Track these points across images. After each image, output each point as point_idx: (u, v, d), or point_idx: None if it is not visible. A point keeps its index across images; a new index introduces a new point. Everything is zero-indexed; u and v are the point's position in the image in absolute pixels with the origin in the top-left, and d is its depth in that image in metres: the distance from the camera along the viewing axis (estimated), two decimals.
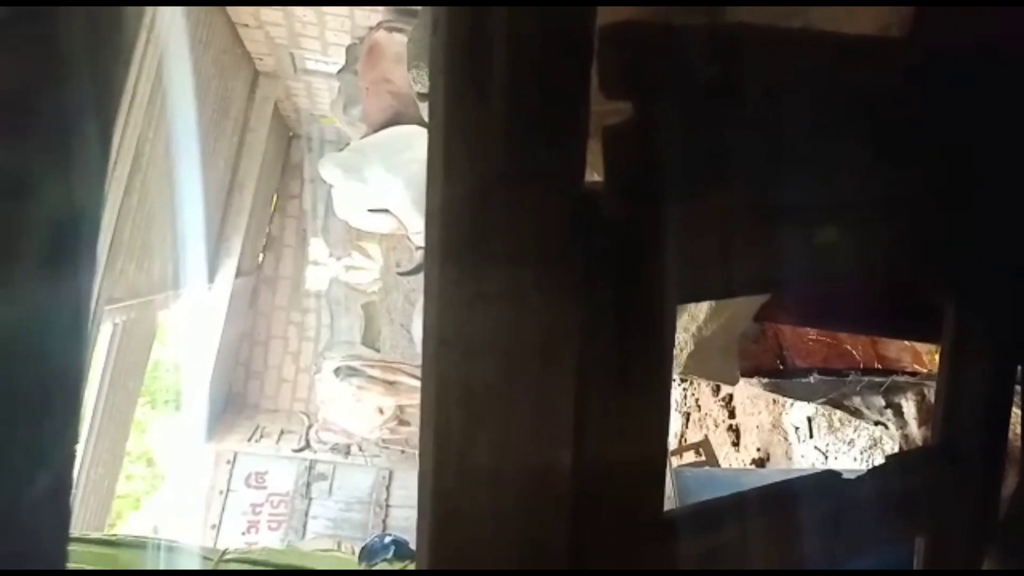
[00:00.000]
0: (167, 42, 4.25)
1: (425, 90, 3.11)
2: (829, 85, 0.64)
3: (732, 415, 4.00)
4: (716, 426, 4.17)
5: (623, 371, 0.67)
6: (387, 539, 3.10)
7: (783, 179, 0.64)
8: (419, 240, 5.43)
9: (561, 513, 0.65)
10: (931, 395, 2.07)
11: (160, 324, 6.44)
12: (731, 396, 3.96)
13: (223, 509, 7.53)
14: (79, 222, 0.32)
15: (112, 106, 0.35)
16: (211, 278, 7.06)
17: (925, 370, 1.94)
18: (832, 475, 0.80)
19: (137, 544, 2.72)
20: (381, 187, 5.29)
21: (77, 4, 0.29)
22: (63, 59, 0.31)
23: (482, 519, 0.63)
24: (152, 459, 11.22)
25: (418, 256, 5.46)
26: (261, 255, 9.12)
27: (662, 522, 0.70)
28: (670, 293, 0.66)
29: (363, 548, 3.07)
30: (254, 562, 2.77)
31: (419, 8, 5.01)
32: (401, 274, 5.87)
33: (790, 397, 2.61)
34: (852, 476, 0.82)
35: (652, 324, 0.66)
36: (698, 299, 1.16)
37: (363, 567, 2.91)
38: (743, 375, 1.82)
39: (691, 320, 1.43)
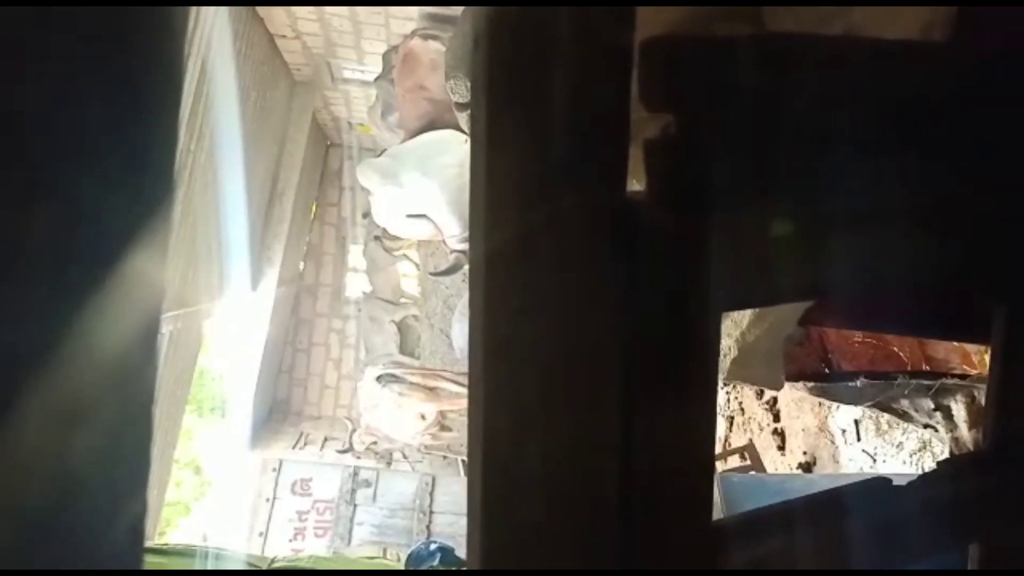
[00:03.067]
0: (208, 54, 4.32)
1: (462, 100, 3.13)
2: (873, 92, 0.63)
3: (777, 418, 3.95)
4: (761, 430, 4.13)
5: (669, 379, 0.67)
6: (433, 546, 3.12)
7: (828, 186, 0.64)
8: (453, 243, 5.45)
9: (609, 521, 0.65)
10: (981, 397, 2.03)
11: (205, 333, 6.54)
12: (775, 399, 3.91)
13: (270, 516, 7.62)
14: (150, 230, 0.33)
15: (176, 112, 0.36)
16: (254, 287, 7.16)
17: (975, 371, 1.91)
18: (882, 482, 0.79)
19: (187, 552, 2.77)
20: (418, 191, 5.33)
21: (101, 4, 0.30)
22: (130, 65, 0.32)
23: (531, 527, 0.64)
24: (199, 466, 11.40)
25: (452, 258, 5.48)
26: (302, 263, 9.23)
27: (711, 530, 0.69)
28: (714, 301, 0.66)
29: (409, 555, 3.09)
30: (302, 570, 2.80)
31: (455, 17, 5.04)
32: (434, 274, 5.89)
33: (836, 401, 2.58)
34: (902, 482, 0.81)
35: (697, 332, 0.66)
36: (742, 307, 1.15)
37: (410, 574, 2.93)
38: (788, 379, 1.80)
39: (734, 326, 1.42)
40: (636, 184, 0.66)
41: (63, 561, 0.31)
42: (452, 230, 5.39)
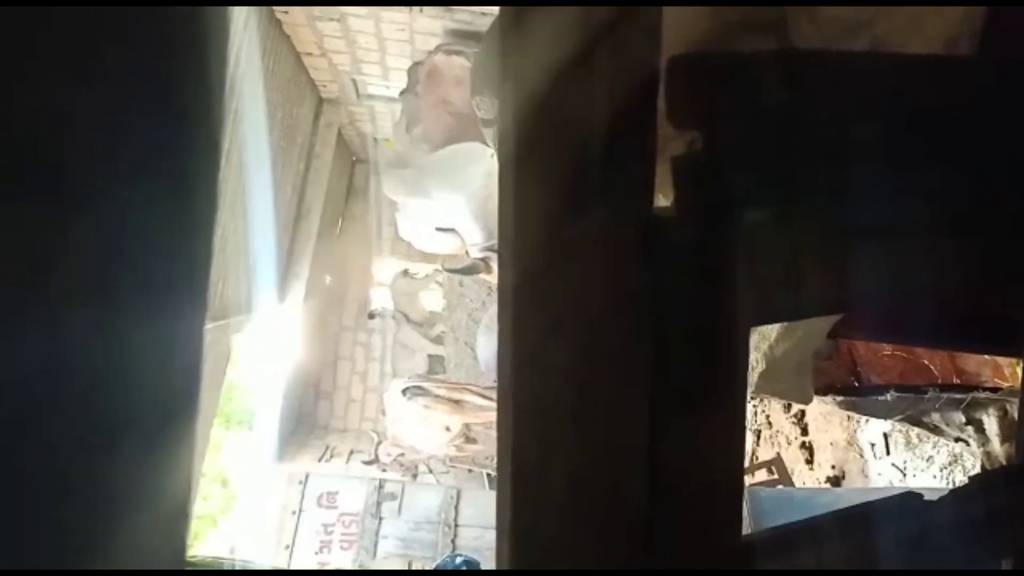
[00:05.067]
0: (236, 72, 4.38)
1: (488, 116, 3.15)
2: (899, 105, 0.63)
3: (805, 432, 3.92)
4: (788, 443, 4.09)
5: (697, 394, 0.67)
6: (458, 559, 3.13)
7: (854, 200, 0.64)
8: (475, 251, 5.48)
9: (637, 535, 0.66)
10: (1014, 411, 2.00)
11: (234, 347, 6.60)
12: (803, 412, 3.88)
13: (296, 529, 7.64)
14: (195, 246, 0.34)
15: (219, 126, 0.36)
16: (281, 300, 7.21)
17: (1006, 384, 1.88)
18: (913, 497, 0.78)
19: (214, 565, 2.78)
20: (444, 202, 5.37)
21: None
22: (173, 79, 0.33)
23: (560, 541, 0.64)
24: (227, 479, 11.46)
25: (469, 260, 5.51)
26: (328, 277, 9.28)
27: (740, 546, 0.69)
28: (742, 316, 0.66)
29: (435, 569, 3.09)
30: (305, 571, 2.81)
31: (478, 32, 5.08)
32: (448, 270, 5.90)
33: (866, 415, 2.55)
34: (934, 497, 0.80)
35: (725, 347, 0.66)
36: (770, 321, 1.15)
37: None
38: (817, 393, 1.79)
39: (762, 339, 1.42)
40: (663, 200, 0.66)
41: None
42: (475, 239, 5.42)
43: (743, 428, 0.69)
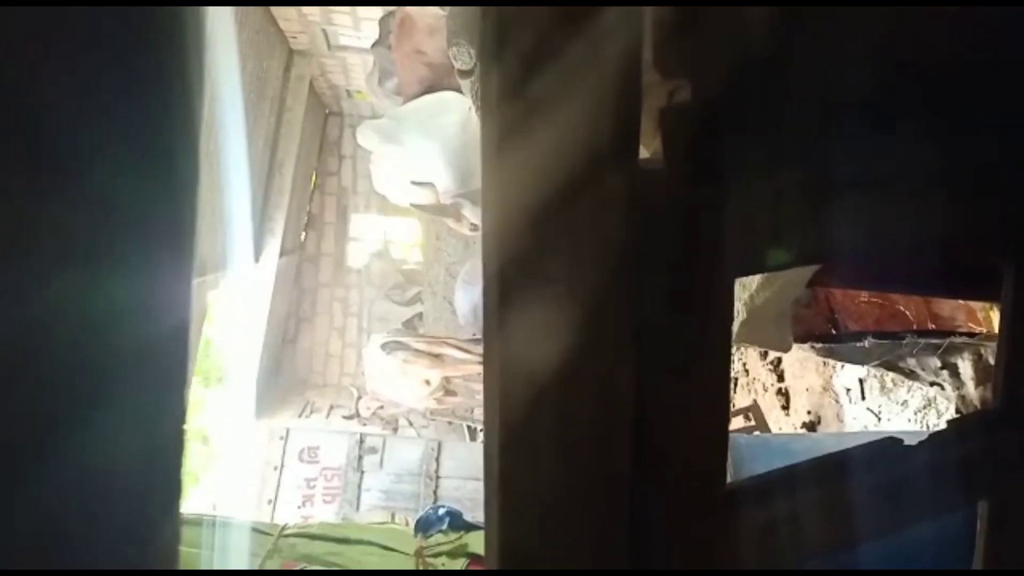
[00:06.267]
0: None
1: (465, 67, 3.10)
2: (884, 59, 0.63)
3: (781, 378, 3.98)
4: (765, 390, 4.15)
5: (683, 347, 0.67)
6: (441, 511, 3.15)
7: (837, 152, 0.64)
8: (446, 198, 5.46)
9: (624, 488, 0.66)
10: (988, 355, 2.04)
11: (209, 304, 6.56)
12: (780, 359, 3.93)
13: (278, 484, 7.70)
14: (178, 205, 0.33)
15: (199, 87, 0.36)
16: (256, 258, 7.16)
17: (980, 328, 1.91)
18: (894, 442, 0.80)
19: (196, 522, 2.79)
20: (418, 150, 5.33)
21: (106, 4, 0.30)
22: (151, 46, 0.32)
23: (548, 496, 0.64)
24: (207, 436, 11.48)
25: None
26: (303, 233, 9.22)
27: (725, 494, 0.70)
28: (728, 268, 0.66)
29: (418, 520, 3.12)
30: (313, 536, 2.83)
31: None
32: (415, 206, 5.84)
33: (844, 361, 2.59)
34: (912, 442, 0.82)
35: (710, 299, 0.66)
36: (753, 272, 1.16)
37: (419, 539, 2.96)
38: (796, 341, 1.81)
39: (743, 289, 1.42)
40: (645, 151, 0.65)
41: (94, 551, 0.31)
42: (447, 185, 5.41)
43: (728, 379, 0.70)
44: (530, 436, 0.63)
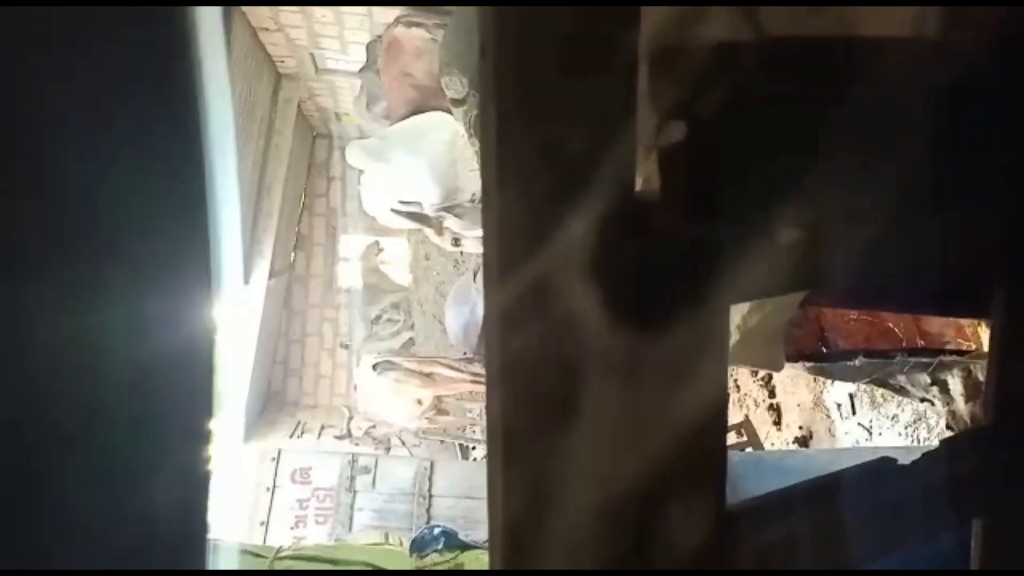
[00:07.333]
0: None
1: (458, 96, 3.12)
2: (871, 88, 0.65)
3: (772, 394, 3.99)
4: (756, 406, 4.17)
5: (679, 373, 0.68)
6: (436, 530, 3.15)
7: (830, 181, 0.66)
8: (430, 210, 5.50)
9: (628, 509, 0.67)
10: (977, 371, 2.06)
11: None
12: (770, 376, 3.95)
13: (270, 505, 7.64)
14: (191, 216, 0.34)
15: (196, 99, 0.37)
16: (246, 279, 7.15)
17: (969, 344, 1.94)
18: (888, 461, 0.81)
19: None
20: (405, 167, 5.38)
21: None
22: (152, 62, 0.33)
23: (550, 516, 0.65)
24: None
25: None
26: (292, 254, 9.21)
27: (725, 516, 0.72)
28: (723, 295, 0.68)
29: (414, 540, 3.12)
30: (308, 558, 2.83)
31: (447, 10, 5.04)
32: (397, 212, 5.86)
33: (835, 379, 2.61)
34: (906, 458, 0.83)
35: (707, 325, 0.67)
36: (749, 299, 1.17)
37: (415, 559, 2.95)
38: (787, 360, 1.83)
39: (735, 312, 1.44)
40: (640, 183, 0.67)
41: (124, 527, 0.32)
42: (432, 199, 5.45)
43: (726, 401, 0.71)
44: (532, 459, 0.64)
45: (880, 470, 0.81)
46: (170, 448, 0.33)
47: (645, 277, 0.65)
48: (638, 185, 0.64)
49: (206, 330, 0.36)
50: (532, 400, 0.64)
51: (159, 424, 0.32)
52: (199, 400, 0.35)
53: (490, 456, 0.66)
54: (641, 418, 0.67)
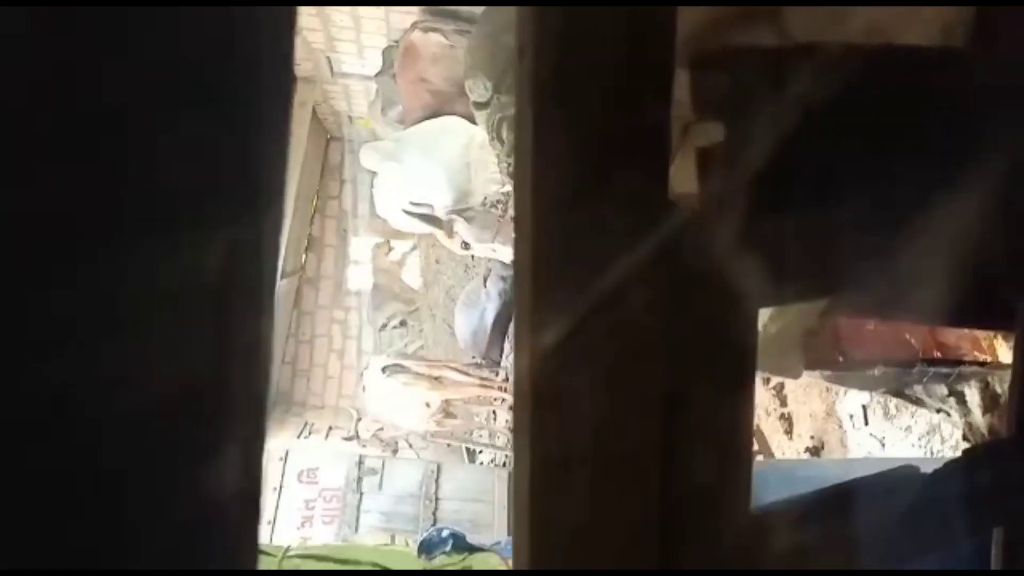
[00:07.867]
0: None
1: (481, 99, 3.13)
2: (905, 99, 0.65)
3: (784, 403, 3.98)
4: (768, 415, 4.15)
5: (710, 375, 0.69)
6: (444, 532, 3.15)
7: (858, 193, 0.66)
8: (442, 213, 5.52)
9: (653, 514, 0.68)
10: (995, 383, 2.05)
11: None
12: (782, 384, 3.94)
13: (277, 505, 7.64)
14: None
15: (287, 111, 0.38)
16: None
17: (985, 356, 1.93)
18: (911, 469, 0.81)
19: None
20: (418, 169, 5.40)
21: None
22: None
23: (578, 526, 0.66)
24: None
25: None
26: (303, 256, 9.23)
27: (749, 522, 0.72)
28: (752, 300, 0.68)
29: (422, 542, 3.12)
30: (318, 557, 2.84)
31: (456, 11, 5.06)
32: (407, 212, 5.88)
33: (852, 388, 2.60)
34: (929, 470, 0.83)
35: (737, 331, 0.68)
36: (776, 304, 1.18)
37: (423, 561, 2.96)
38: (805, 368, 1.82)
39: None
40: (676, 188, 0.68)
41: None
42: (445, 202, 5.47)
43: (752, 406, 0.71)
44: (561, 461, 0.65)
45: (903, 478, 0.81)
46: (233, 436, 0.33)
47: (674, 279, 0.65)
48: (675, 186, 0.65)
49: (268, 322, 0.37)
50: (561, 396, 0.64)
51: (229, 407, 0.33)
52: (260, 388, 0.35)
53: (517, 462, 0.67)
54: (670, 420, 0.67)
